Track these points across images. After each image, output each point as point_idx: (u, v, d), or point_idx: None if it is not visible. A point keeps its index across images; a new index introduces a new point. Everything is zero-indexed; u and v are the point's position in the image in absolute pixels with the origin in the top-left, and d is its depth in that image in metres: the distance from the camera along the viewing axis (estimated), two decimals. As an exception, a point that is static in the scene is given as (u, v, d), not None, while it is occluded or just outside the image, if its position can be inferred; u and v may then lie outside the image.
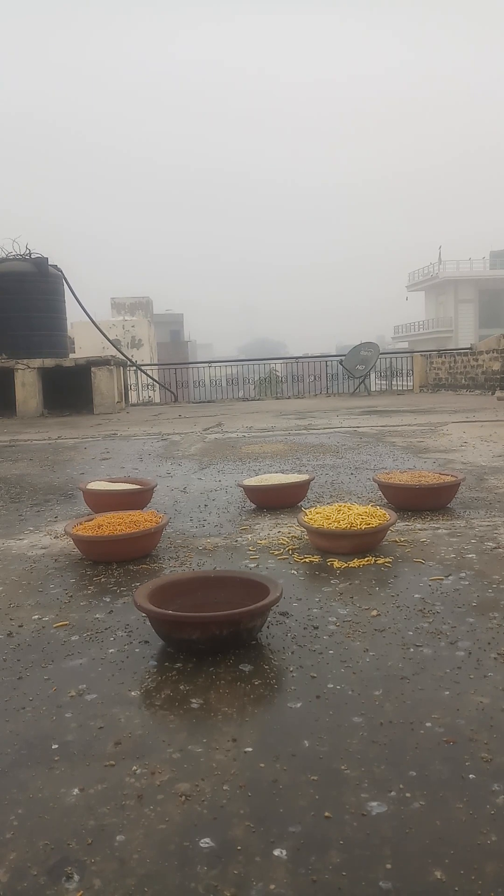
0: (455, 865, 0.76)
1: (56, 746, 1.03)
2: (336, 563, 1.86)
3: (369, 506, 2.17)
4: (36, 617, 1.58)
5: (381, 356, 13.47)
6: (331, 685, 1.18)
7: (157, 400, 14.54)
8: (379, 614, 1.50)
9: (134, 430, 6.40)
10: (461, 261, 42.72)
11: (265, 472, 3.42)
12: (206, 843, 0.81)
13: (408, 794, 0.88)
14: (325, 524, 1.98)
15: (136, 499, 2.60)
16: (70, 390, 9.11)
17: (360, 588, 1.67)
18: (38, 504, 2.97)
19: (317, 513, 2.10)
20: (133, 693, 1.19)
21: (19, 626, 1.52)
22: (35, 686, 1.23)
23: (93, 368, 9.06)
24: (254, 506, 2.68)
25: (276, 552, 2.02)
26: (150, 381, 14.44)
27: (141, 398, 14.35)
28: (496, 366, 10.48)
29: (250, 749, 1.00)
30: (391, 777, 0.92)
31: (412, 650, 1.31)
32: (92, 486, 2.65)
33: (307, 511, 2.13)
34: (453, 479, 2.52)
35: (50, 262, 9.77)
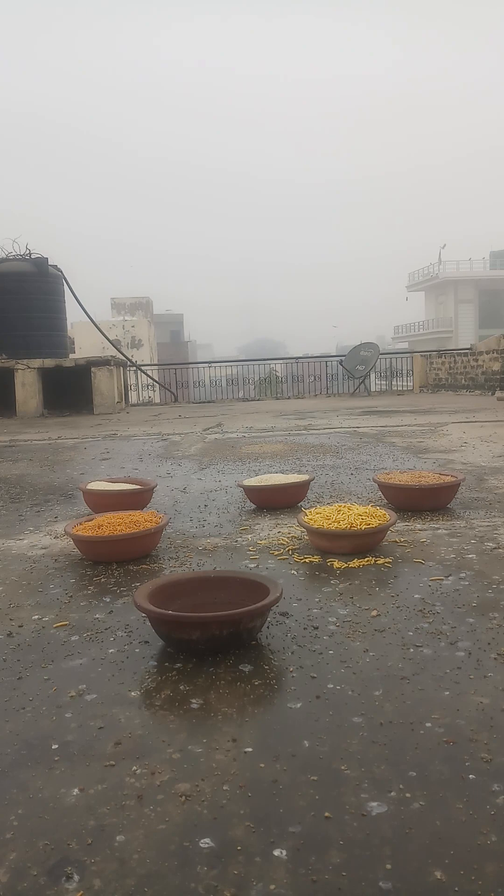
0: (455, 865, 0.76)
1: (56, 746, 1.03)
2: (336, 564, 1.86)
3: (369, 506, 2.17)
4: (36, 617, 1.58)
5: (381, 356, 13.46)
6: (331, 685, 1.18)
7: (157, 400, 14.54)
8: (379, 614, 1.50)
9: (134, 430, 6.40)
10: (461, 261, 42.73)
11: (265, 473, 3.42)
12: (206, 843, 0.81)
13: (408, 795, 0.88)
14: (325, 524, 1.98)
15: (136, 499, 2.60)
16: (70, 390, 9.11)
17: (360, 588, 1.67)
18: (38, 504, 2.97)
19: (317, 513, 2.10)
20: (133, 693, 1.19)
21: (19, 626, 1.52)
22: (35, 686, 1.23)
23: (93, 369, 9.06)
24: (254, 506, 2.68)
25: (276, 552, 2.02)
26: (150, 381, 14.44)
27: (141, 398, 14.35)
28: (496, 366, 10.48)
29: (250, 749, 1.00)
30: (391, 777, 0.92)
31: (412, 650, 1.31)
32: (92, 487, 2.65)
33: (307, 511, 2.13)
34: (453, 479, 2.53)
35: (50, 262, 9.77)
